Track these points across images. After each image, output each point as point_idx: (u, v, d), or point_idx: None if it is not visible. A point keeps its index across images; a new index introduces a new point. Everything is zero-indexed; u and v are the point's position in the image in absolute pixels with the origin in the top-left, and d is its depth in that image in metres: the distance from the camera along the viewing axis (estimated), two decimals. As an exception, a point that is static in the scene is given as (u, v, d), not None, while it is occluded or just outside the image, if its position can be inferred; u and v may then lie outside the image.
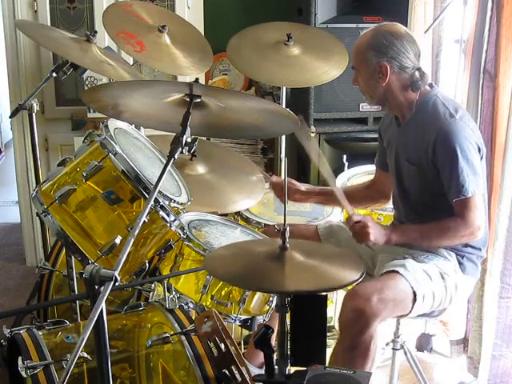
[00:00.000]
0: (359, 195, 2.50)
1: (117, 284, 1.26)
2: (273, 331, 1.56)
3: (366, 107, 3.52)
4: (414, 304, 2.02)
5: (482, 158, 2.10)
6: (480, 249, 2.18)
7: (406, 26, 3.07)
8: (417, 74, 2.12)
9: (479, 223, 2.03)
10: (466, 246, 2.14)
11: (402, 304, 2.02)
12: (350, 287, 1.98)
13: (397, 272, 2.03)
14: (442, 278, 2.09)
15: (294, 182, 2.50)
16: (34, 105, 2.62)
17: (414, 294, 2.00)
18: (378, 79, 2.11)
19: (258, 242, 2.19)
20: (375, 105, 2.25)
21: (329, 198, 2.55)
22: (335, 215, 2.78)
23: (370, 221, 2.05)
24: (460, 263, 2.15)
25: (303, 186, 2.51)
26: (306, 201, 2.54)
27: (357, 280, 1.51)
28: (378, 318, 1.93)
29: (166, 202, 1.97)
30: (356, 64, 2.18)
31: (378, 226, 2.08)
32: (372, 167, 2.61)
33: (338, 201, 2.56)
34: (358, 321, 1.92)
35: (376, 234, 2.03)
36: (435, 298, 2.08)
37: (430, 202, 2.16)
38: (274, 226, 2.53)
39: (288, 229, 1.56)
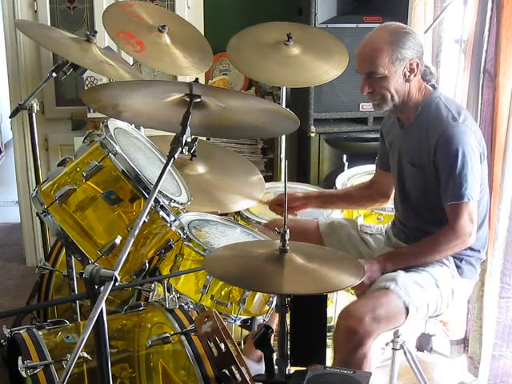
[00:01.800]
0: (358, 195, 2.50)
1: (117, 284, 1.26)
2: (273, 331, 1.56)
3: (365, 107, 3.52)
4: (407, 316, 2.01)
5: (482, 162, 2.10)
6: (479, 251, 2.18)
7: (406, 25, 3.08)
8: (427, 70, 2.13)
9: (470, 230, 2.02)
10: (465, 248, 2.13)
11: (395, 319, 2.01)
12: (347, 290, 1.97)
13: (387, 288, 2.01)
14: (437, 286, 2.08)
15: (290, 192, 2.51)
16: (34, 105, 2.62)
17: (407, 308, 2.00)
18: (408, 77, 2.07)
19: (258, 243, 2.19)
20: (389, 108, 2.14)
21: (328, 201, 2.57)
22: (335, 215, 2.78)
23: (362, 262, 2.01)
24: (458, 267, 2.15)
25: (300, 193, 2.52)
26: (306, 207, 2.53)
27: (356, 284, 1.50)
28: (372, 336, 1.93)
29: (166, 202, 1.97)
30: (376, 67, 2.04)
31: (370, 263, 2.07)
32: (372, 167, 2.61)
33: (337, 203, 2.58)
34: (351, 340, 1.91)
35: (368, 274, 2.02)
36: (429, 307, 2.08)
37: (431, 203, 2.15)
38: (274, 227, 2.55)
39: (288, 231, 1.56)
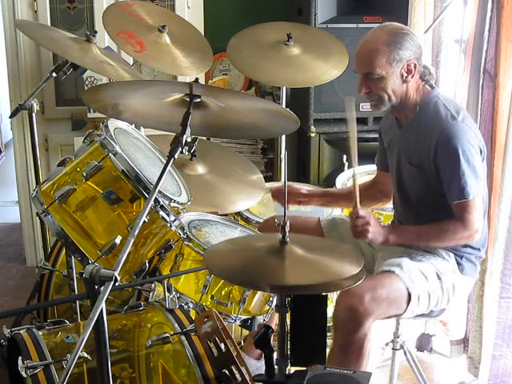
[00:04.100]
0: (361, 195, 2.49)
1: (117, 284, 1.26)
2: (273, 331, 1.55)
3: (365, 107, 3.51)
4: (408, 304, 2.02)
5: (483, 159, 2.10)
6: (479, 249, 2.18)
7: (406, 25, 3.08)
8: (426, 70, 2.13)
9: (477, 226, 2.03)
10: (465, 246, 2.14)
11: (396, 303, 2.01)
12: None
13: (392, 272, 2.03)
14: (439, 278, 2.09)
15: (294, 185, 2.51)
16: (34, 105, 2.63)
17: (409, 294, 2.00)
18: (406, 78, 2.07)
19: (258, 236, 2.19)
20: (386, 109, 2.14)
21: (331, 200, 2.56)
22: (336, 214, 2.78)
23: (373, 219, 2.05)
24: (459, 263, 2.15)
25: (304, 189, 2.52)
26: (308, 203, 2.53)
27: (357, 275, 1.50)
28: (372, 316, 1.93)
29: (166, 202, 1.97)
30: (374, 68, 2.04)
31: (379, 226, 2.07)
32: (372, 167, 2.61)
33: (339, 202, 2.58)
34: (351, 319, 1.92)
35: (374, 233, 2.04)
36: (431, 299, 2.08)
37: (430, 202, 2.15)
38: (274, 219, 2.55)
39: (288, 223, 1.56)
